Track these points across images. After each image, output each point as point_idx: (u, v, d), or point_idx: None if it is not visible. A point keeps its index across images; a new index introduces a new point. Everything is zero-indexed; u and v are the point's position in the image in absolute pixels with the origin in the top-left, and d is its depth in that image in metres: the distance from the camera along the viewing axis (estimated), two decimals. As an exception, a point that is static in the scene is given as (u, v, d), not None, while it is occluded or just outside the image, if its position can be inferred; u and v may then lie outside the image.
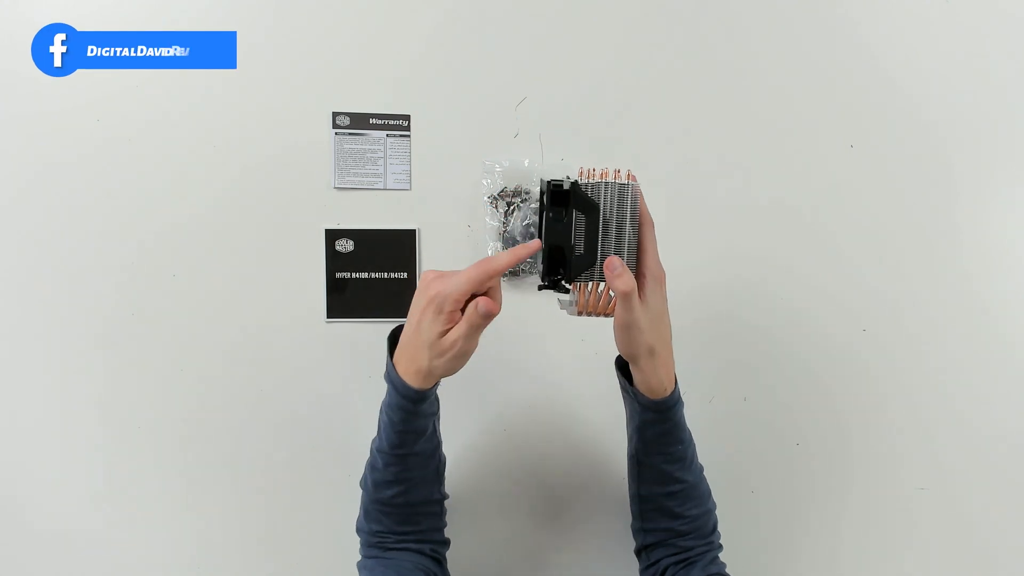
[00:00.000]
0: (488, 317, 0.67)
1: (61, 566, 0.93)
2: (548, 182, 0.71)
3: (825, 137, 1.00)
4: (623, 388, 0.78)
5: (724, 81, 0.99)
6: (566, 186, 0.71)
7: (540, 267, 0.73)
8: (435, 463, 0.77)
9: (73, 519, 0.93)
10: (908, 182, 1.01)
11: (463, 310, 0.69)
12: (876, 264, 1.00)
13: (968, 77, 1.01)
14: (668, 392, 0.74)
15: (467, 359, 0.70)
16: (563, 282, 0.73)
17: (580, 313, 0.73)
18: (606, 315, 0.73)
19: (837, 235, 1.00)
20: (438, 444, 0.78)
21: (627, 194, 0.71)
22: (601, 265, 0.72)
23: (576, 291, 0.73)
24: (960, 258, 1.01)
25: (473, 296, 0.69)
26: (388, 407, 0.72)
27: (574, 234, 0.71)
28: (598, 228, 0.71)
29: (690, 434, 0.78)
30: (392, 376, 0.71)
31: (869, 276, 1.00)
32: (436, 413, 0.77)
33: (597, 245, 0.72)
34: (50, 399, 0.93)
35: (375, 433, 0.77)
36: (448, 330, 0.68)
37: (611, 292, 0.70)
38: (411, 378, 0.70)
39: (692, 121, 0.99)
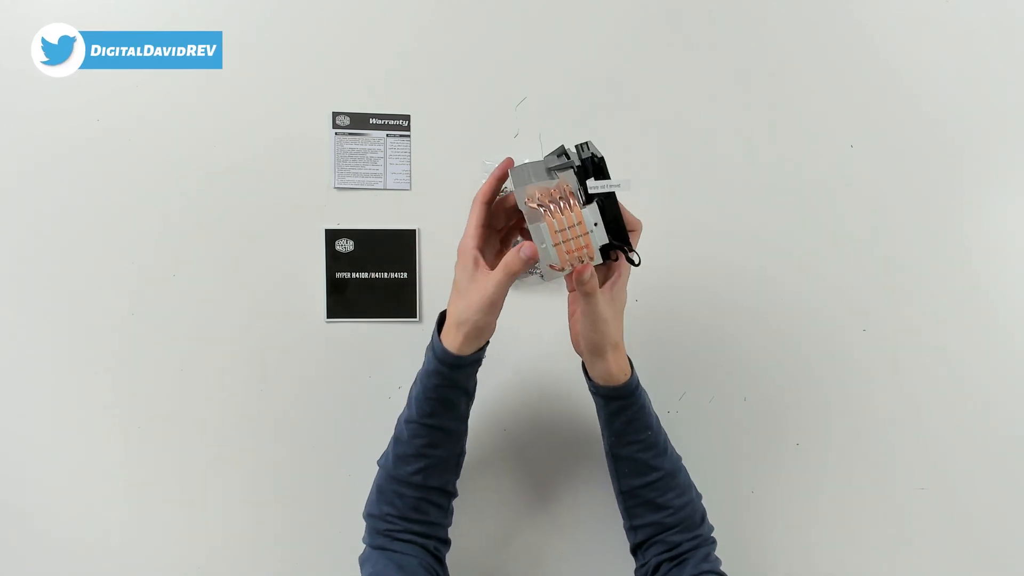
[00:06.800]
0: (529, 261, 0.70)
1: (60, 567, 0.93)
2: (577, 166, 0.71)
3: (825, 137, 1.00)
4: (590, 387, 0.80)
5: (725, 81, 0.99)
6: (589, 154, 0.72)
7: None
8: (458, 450, 0.79)
9: (70, 520, 0.93)
10: (909, 182, 1.00)
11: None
12: (876, 264, 1.00)
13: (969, 75, 1.01)
14: (628, 375, 0.77)
15: (497, 311, 0.73)
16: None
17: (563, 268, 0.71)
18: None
19: (837, 235, 1.00)
20: (464, 434, 0.79)
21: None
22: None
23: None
24: (961, 258, 1.01)
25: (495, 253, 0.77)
26: (424, 375, 0.76)
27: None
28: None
29: (658, 420, 0.81)
30: (434, 343, 0.75)
31: (869, 276, 1.00)
32: (470, 397, 0.78)
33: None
34: (46, 400, 0.93)
35: (379, 436, 0.78)
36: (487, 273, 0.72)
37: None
38: (450, 341, 0.73)
39: (692, 121, 0.98)
